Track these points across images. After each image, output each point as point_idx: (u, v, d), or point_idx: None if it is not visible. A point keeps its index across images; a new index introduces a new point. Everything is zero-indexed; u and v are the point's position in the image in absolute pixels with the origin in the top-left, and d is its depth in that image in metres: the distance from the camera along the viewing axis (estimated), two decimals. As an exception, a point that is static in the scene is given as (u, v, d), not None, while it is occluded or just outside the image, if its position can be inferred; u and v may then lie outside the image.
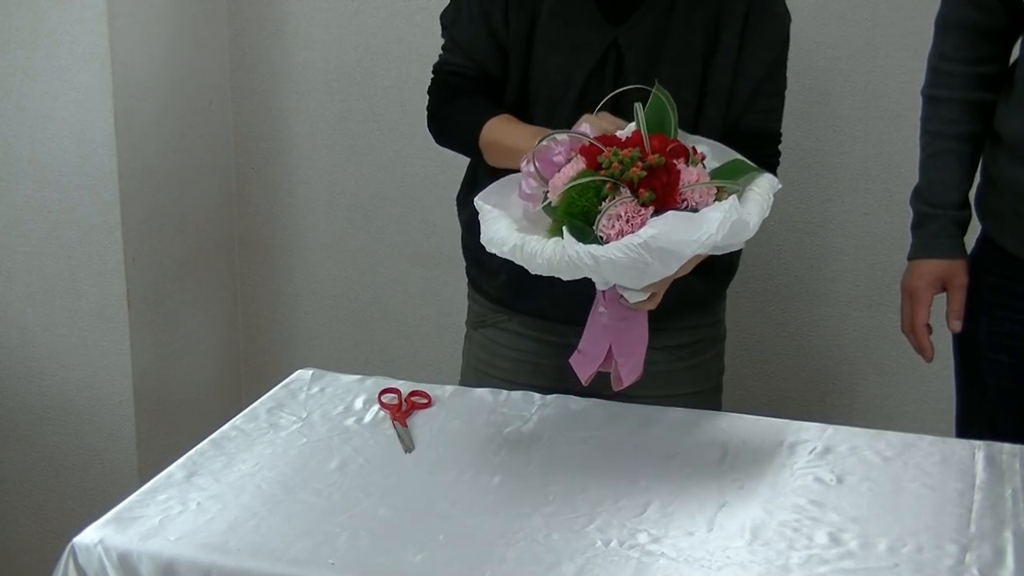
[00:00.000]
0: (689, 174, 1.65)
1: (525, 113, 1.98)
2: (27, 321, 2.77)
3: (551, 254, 1.63)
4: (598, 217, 1.63)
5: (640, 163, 1.63)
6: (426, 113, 2.09)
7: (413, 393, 1.94)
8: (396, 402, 1.91)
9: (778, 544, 1.53)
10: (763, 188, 1.73)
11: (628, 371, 1.79)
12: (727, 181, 1.70)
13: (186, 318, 2.92)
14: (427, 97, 2.09)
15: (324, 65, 2.92)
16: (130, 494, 1.65)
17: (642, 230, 1.61)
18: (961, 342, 2.11)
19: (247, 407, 1.92)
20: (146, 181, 2.73)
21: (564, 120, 1.87)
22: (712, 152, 1.77)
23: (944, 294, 2.09)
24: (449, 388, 1.98)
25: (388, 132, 2.91)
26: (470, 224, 2.07)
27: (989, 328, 2.03)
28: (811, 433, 1.83)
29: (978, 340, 2.06)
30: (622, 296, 1.74)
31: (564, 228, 1.63)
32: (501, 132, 1.94)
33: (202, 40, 2.88)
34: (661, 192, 1.62)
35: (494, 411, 1.91)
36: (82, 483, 2.84)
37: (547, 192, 1.70)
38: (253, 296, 3.12)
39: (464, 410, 1.92)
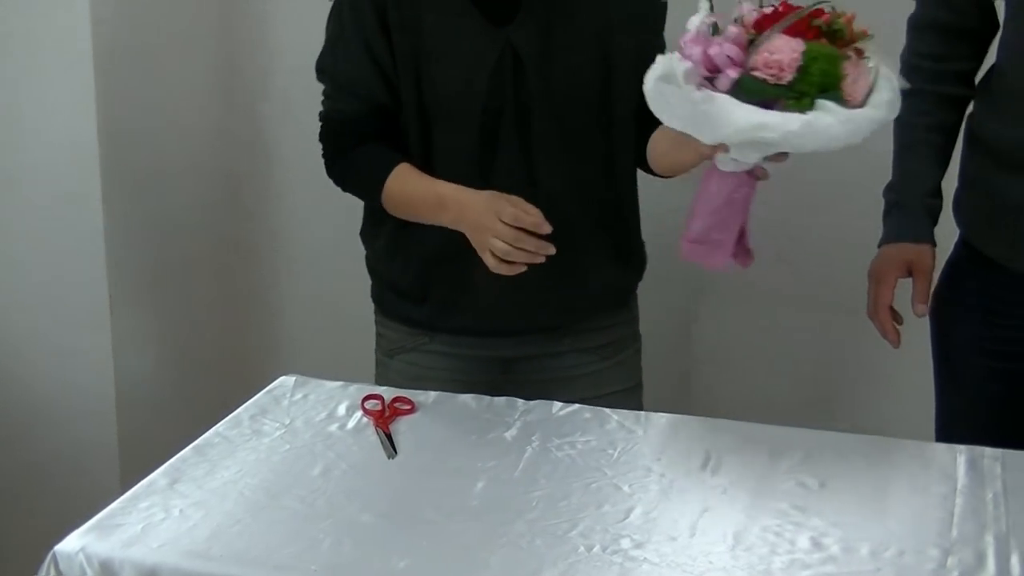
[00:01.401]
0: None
1: (428, 137, 1.97)
2: (10, 327, 2.76)
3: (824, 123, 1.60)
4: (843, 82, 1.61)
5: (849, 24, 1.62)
6: (323, 161, 2.08)
7: (396, 399, 1.94)
8: (379, 408, 1.91)
9: (760, 549, 1.53)
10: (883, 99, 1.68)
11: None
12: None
13: (169, 324, 2.92)
14: (320, 145, 2.08)
15: (311, 70, 2.91)
16: (112, 501, 1.65)
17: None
18: (940, 346, 2.11)
19: (230, 413, 1.92)
20: (129, 187, 2.72)
21: (474, 132, 1.88)
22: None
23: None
24: (432, 394, 1.98)
25: (373, 138, 2.91)
26: (379, 257, 2.08)
27: (969, 332, 2.04)
28: (793, 438, 1.83)
29: (958, 344, 2.06)
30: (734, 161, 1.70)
31: (820, 101, 1.60)
32: (406, 180, 1.94)
33: (188, 45, 2.87)
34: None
35: (477, 417, 1.91)
36: (64, 490, 2.83)
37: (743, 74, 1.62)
38: (236, 302, 3.11)
39: (447, 416, 1.92)
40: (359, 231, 2.17)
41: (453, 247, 1.95)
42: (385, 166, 1.96)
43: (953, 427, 2.10)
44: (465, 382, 2.06)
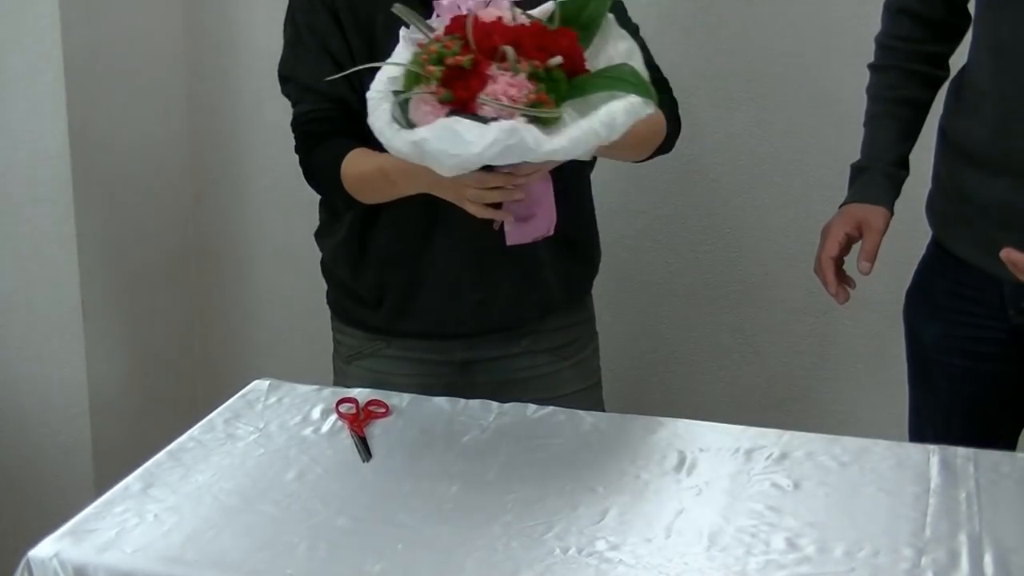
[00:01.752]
0: (499, 84, 1.58)
1: None
2: (-19, 333, 2.75)
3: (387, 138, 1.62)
4: (408, 103, 1.62)
5: (449, 61, 1.59)
6: (300, 170, 2.05)
7: (370, 402, 1.93)
8: (353, 411, 1.91)
9: (736, 550, 1.54)
10: (614, 109, 1.61)
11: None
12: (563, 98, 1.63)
13: (142, 328, 2.91)
14: (296, 156, 2.06)
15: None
16: (86, 506, 1.64)
17: (417, 129, 1.58)
18: (913, 346, 2.13)
19: (204, 417, 1.91)
20: (100, 191, 2.71)
21: None
22: (628, 54, 1.71)
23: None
24: (407, 397, 1.97)
25: (344, 141, 2.91)
26: (334, 258, 2.08)
27: (941, 332, 2.05)
28: (768, 439, 1.83)
29: (930, 344, 2.07)
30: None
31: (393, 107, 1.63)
32: (357, 163, 1.92)
33: (156, 50, 2.87)
34: (461, 94, 1.59)
35: (452, 420, 1.90)
36: (37, 496, 2.82)
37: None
38: (209, 306, 3.11)
39: (422, 419, 1.91)
40: (313, 232, 2.16)
41: (406, 250, 1.96)
42: (340, 155, 1.94)
43: (924, 426, 2.12)
44: (424, 386, 2.06)
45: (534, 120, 1.57)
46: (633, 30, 1.93)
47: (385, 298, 2.06)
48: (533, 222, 1.80)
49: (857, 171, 2.11)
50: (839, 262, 2.05)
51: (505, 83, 1.58)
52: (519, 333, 2.09)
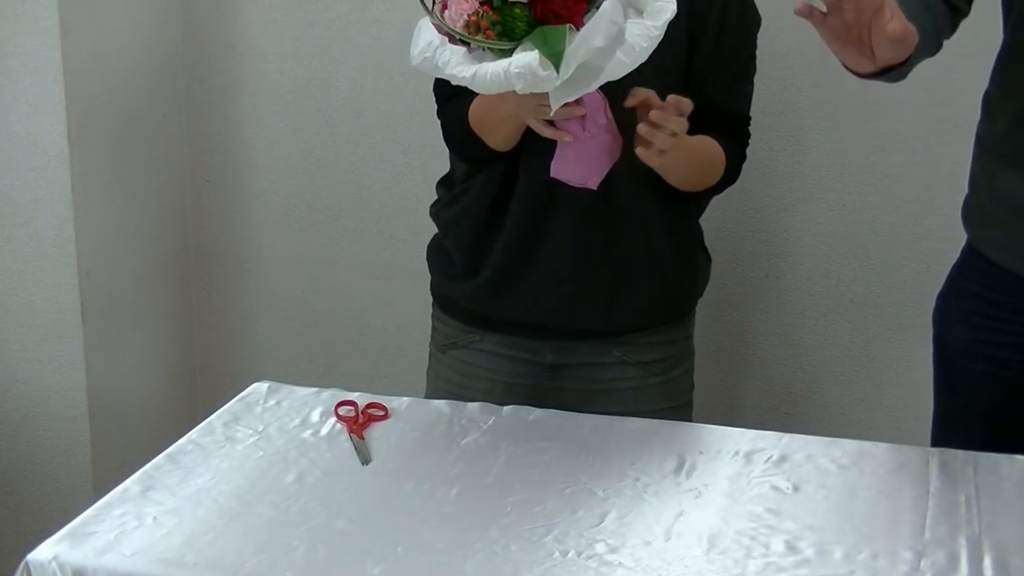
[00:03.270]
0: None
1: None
2: (-20, 336, 2.75)
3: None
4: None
5: None
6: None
7: (370, 405, 1.93)
8: (353, 414, 1.91)
9: (735, 552, 1.54)
10: (520, 61, 1.65)
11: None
12: None
13: (141, 331, 2.91)
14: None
15: (279, 77, 2.92)
16: (85, 509, 1.64)
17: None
18: (940, 351, 2.09)
19: (203, 420, 1.92)
20: (100, 194, 2.71)
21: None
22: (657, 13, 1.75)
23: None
24: (406, 400, 1.97)
25: (344, 143, 2.91)
26: (458, 223, 2.09)
27: (968, 336, 2.02)
28: (767, 442, 1.83)
29: (957, 348, 2.04)
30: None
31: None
32: (477, 105, 1.95)
33: (156, 52, 2.87)
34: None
35: (451, 423, 1.91)
36: (36, 498, 2.82)
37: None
38: (208, 308, 3.11)
39: (421, 422, 1.91)
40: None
41: (523, 226, 2.00)
42: (466, 103, 1.98)
43: (947, 431, 2.08)
44: (510, 384, 2.08)
45: (487, 48, 1.66)
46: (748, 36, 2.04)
47: (485, 267, 2.06)
48: (576, 165, 1.86)
49: None
50: None
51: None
52: (611, 342, 2.08)
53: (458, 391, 2.09)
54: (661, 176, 1.96)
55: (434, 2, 1.72)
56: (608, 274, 2.02)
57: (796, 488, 1.70)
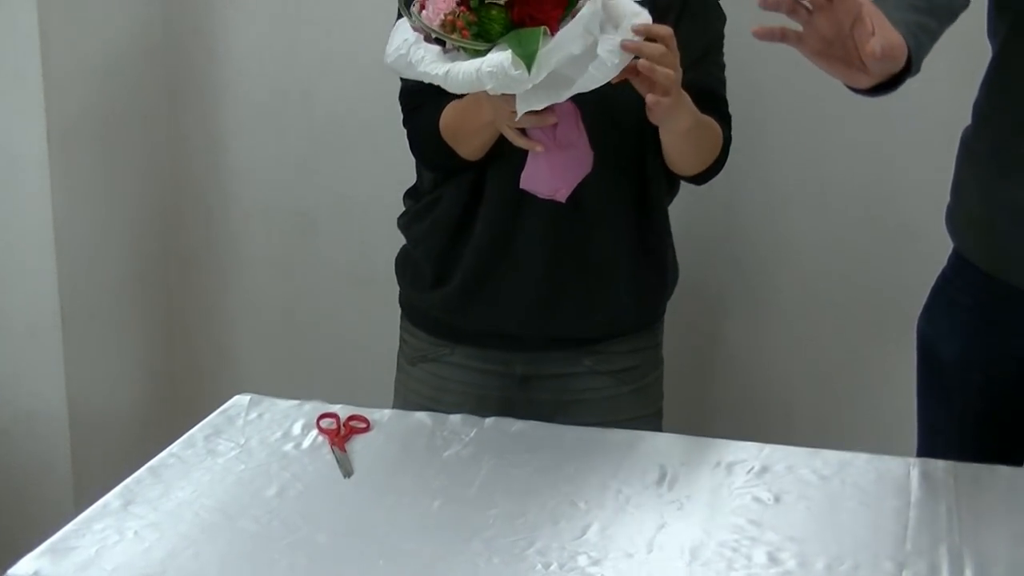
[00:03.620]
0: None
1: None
2: (-42, 345, 2.74)
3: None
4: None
5: None
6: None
7: (351, 418, 1.93)
8: (334, 427, 1.90)
9: (717, 564, 1.54)
10: (492, 60, 1.65)
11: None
12: None
13: (121, 338, 2.90)
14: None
15: (260, 83, 2.91)
16: (66, 523, 1.63)
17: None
18: (929, 361, 2.07)
19: (184, 428, 1.91)
20: (79, 200, 2.70)
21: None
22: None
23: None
24: (388, 412, 1.97)
25: (326, 150, 2.91)
26: (431, 234, 2.09)
27: (962, 350, 2.00)
28: (748, 452, 1.84)
29: (950, 360, 2.02)
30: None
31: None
32: (452, 113, 1.95)
33: (137, 56, 2.86)
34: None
35: (433, 435, 1.90)
36: (17, 512, 2.80)
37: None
38: (189, 316, 3.10)
39: (403, 434, 1.91)
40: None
41: (494, 233, 1.99)
42: (437, 112, 1.98)
43: (937, 441, 2.06)
44: (482, 396, 2.07)
45: (462, 48, 1.67)
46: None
47: (455, 275, 2.05)
48: (547, 176, 1.85)
49: None
50: None
51: None
52: (583, 351, 2.08)
53: (429, 404, 2.07)
54: (666, 152, 1.96)
55: (412, 2, 1.73)
56: (580, 280, 2.01)
57: (777, 499, 1.70)
